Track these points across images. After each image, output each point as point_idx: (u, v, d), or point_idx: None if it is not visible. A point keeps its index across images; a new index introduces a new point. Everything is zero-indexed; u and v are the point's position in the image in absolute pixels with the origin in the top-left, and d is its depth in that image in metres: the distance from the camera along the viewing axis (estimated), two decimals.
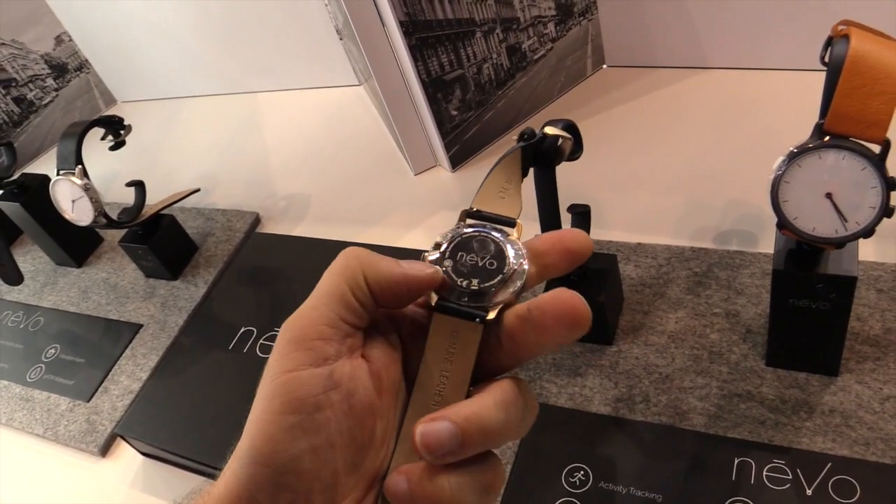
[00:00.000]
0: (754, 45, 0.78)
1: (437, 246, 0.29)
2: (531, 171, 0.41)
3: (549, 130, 0.42)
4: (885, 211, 0.37)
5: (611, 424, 0.54)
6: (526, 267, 0.28)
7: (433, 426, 0.25)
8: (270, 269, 0.77)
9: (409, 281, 0.27)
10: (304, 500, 0.26)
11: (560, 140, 0.42)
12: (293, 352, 0.26)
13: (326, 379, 0.26)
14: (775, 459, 0.48)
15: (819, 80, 0.39)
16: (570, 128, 0.46)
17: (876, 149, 0.37)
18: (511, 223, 0.29)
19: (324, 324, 0.27)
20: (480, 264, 0.28)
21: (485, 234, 0.28)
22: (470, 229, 0.29)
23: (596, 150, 0.46)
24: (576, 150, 0.47)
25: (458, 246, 0.28)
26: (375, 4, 0.71)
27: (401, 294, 0.28)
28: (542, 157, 0.42)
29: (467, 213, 0.30)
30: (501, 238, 0.28)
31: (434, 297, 0.28)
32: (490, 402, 0.26)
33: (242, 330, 0.70)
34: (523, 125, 0.86)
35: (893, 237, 0.59)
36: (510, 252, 0.28)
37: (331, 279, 0.27)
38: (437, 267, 0.28)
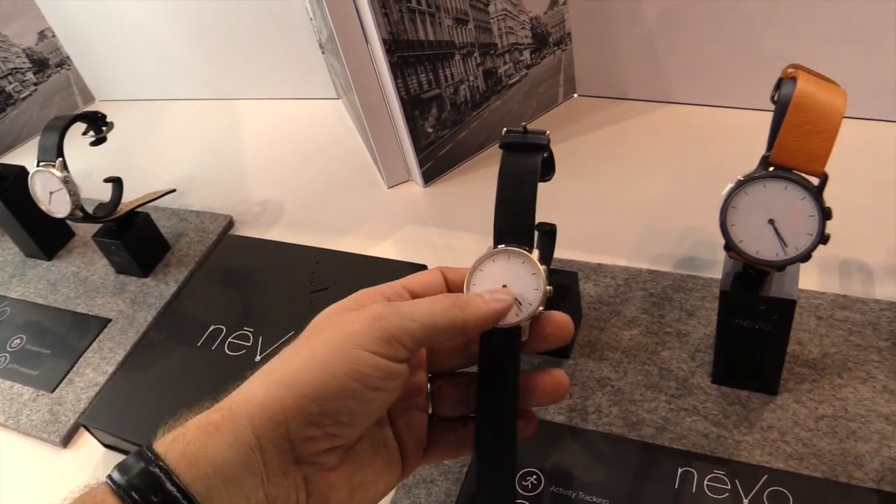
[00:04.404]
0: (716, 83, 0.83)
1: None
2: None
3: None
4: (821, 238, 0.41)
5: (564, 432, 0.56)
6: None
7: None
8: (242, 271, 0.79)
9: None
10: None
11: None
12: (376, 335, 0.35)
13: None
14: (716, 470, 0.51)
15: (771, 119, 0.43)
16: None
17: (815, 181, 0.41)
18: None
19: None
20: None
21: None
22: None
23: (562, 175, 0.49)
24: (547, 172, 0.49)
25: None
26: (360, 22, 0.74)
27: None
28: None
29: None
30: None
31: None
32: None
33: (212, 328, 0.72)
34: (495, 146, 0.90)
35: (833, 269, 0.63)
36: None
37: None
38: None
